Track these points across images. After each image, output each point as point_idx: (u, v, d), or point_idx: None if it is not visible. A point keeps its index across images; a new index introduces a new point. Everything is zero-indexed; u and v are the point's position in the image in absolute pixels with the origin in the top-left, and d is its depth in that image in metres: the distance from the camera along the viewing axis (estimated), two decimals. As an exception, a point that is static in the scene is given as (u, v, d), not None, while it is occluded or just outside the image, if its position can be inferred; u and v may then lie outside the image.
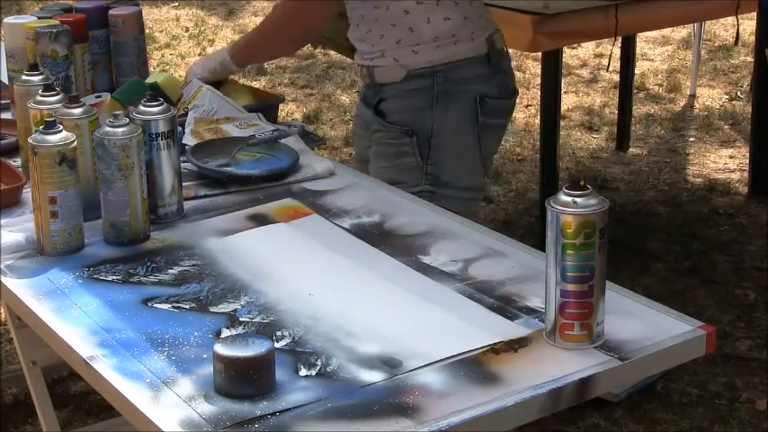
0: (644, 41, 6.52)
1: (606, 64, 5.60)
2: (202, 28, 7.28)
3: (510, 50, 2.55)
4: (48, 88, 2.14)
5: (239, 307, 1.76)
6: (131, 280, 1.86)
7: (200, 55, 6.69)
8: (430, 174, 2.35)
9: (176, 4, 7.91)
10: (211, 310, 1.75)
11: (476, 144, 2.39)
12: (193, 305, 1.77)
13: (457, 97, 2.34)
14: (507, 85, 2.46)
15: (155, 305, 1.77)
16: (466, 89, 2.35)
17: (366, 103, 2.49)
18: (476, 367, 1.57)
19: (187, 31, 7.23)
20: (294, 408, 1.48)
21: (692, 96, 5.79)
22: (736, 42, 4.95)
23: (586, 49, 6.47)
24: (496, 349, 1.61)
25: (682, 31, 6.69)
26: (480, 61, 2.38)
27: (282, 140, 2.40)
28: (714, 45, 6.60)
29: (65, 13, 2.75)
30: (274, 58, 3.43)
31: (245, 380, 1.50)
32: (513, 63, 2.80)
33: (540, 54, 4.12)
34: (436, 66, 2.33)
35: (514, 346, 1.62)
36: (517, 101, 2.57)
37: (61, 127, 1.94)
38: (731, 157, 4.98)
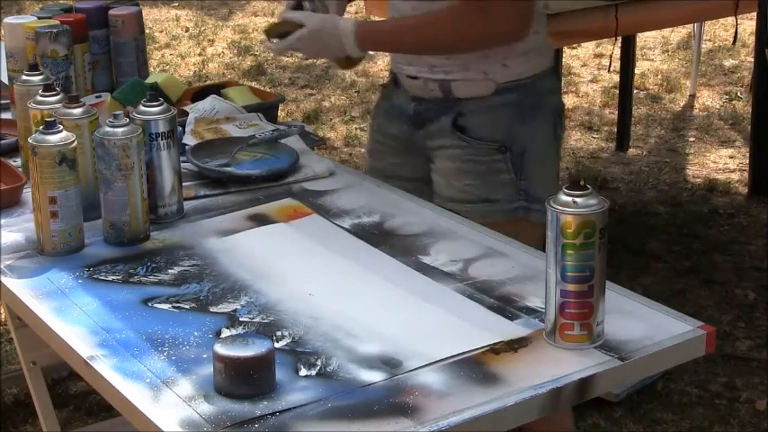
0: (644, 41, 6.52)
1: (606, 64, 5.60)
2: (202, 28, 7.28)
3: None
4: (48, 88, 2.14)
5: (239, 307, 1.76)
6: (131, 280, 1.86)
7: (199, 55, 6.70)
8: (522, 189, 2.25)
9: (176, 4, 7.91)
10: (211, 310, 1.75)
11: (556, 157, 2.35)
12: (193, 305, 1.77)
13: (542, 110, 2.28)
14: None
15: (155, 305, 1.77)
16: (548, 102, 2.30)
17: (417, 120, 2.32)
18: (476, 367, 1.56)
19: (187, 31, 7.23)
20: (294, 408, 1.48)
21: (692, 96, 5.79)
22: (734, 42, 4.96)
23: (586, 49, 6.47)
24: (496, 349, 1.61)
25: (682, 31, 6.69)
26: (553, 73, 2.34)
27: (282, 140, 2.41)
28: (714, 45, 6.60)
29: (65, 13, 2.75)
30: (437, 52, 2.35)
31: (245, 380, 1.50)
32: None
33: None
34: (524, 79, 2.24)
35: (514, 346, 1.62)
36: None
37: (61, 127, 1.94)
38: (731, 157, 4.98)
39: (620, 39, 4.52)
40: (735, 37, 4.52)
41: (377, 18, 2.37)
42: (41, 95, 2.13)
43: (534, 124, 2.26)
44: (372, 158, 2.54)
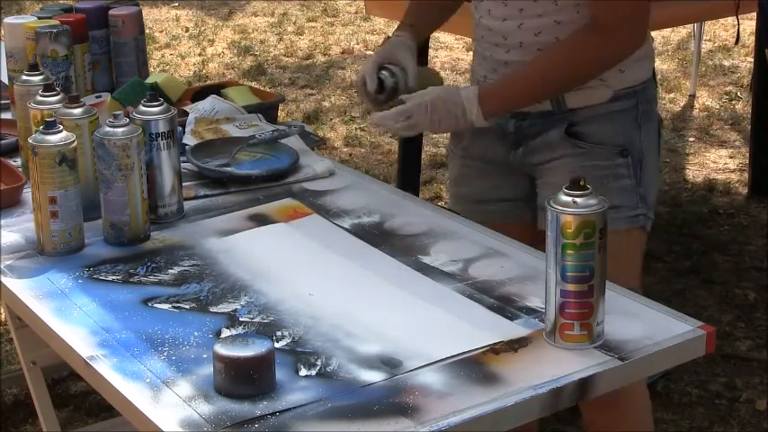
0: (644, 41, 6.51)
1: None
2: (202, 28, 7.28)
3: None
4: (48, 88, 2.15)
5: (239, 307, 1.76)
6: (131, 280, 1.86)
7: (199, 55, 6.70)
8: (642, 196, 2.15)
9: (176, 4, 7.91)
10: (211, 310, 1.75)
11: (659, 166, 2.25)
12: (193, 305, 1.77)
13: (651, 116, 2.18)
14: None
15: (155, 305, 1.77)
16: (653, 108, 2.21)
17: (517, 138, 2.18)
18: (476, 367, 1.56)
19: (187, 31, 7.23)
20: (294, 408, 1.48)
21: (692, 96, 5.79)
22: (736, 42, 4.95)
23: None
24: (496, 349, 1.61)
25: (682, 31, 6.69)
26: (654, 79, 2.22)
27: (282, 140, 2.41)
28: (714, 45, 6.60)
29: (65, 13, 2.76)
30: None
31: (245, 380, 1.50)
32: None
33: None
34: (638, 85, 2.14)
35: (514, 346, 1.62)
36: None
37: (61, 127, 1.94)
38: (731, 157, 4.98)
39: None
40: (737, 37, 4.51)
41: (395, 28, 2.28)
42: (41, 95, 2.13)
43: (647, 131, 2.17)
44: (460, 185, 2.36)
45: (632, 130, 2.15)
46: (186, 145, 2.36)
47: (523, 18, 2.10)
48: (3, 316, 3.39)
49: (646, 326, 1.66)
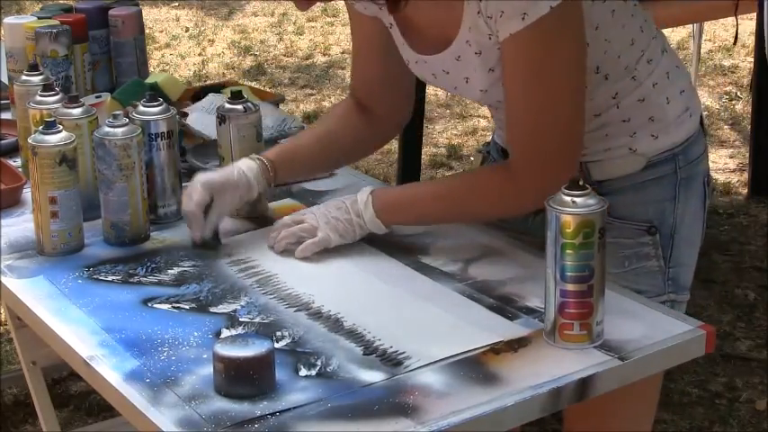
0: (644, 41, 6.50)
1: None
2: (202, 28, 7.28)
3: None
4: (47, 88, 2.15)
5: (239, 307, 1.76)
6: (131, 280, 1.86)
7: (199, 55, 6.70)
8: (671, 278, 1.91)
9: (176, 4, 7.91)
10: (211, 310, 1.75)
11: (702, 234, 1.97)
12: (193, 305, 1.77)
13: (694, 181, 1.92)
14: None
15: (154, 305, 1.77)
16: (698, 170, 1.94)
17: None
18: (476, 367, 1.56)
19: (187, 31, 7.23)
20: (294, 408, 1.48)
21: (692, 96, 5.78)
22: (735, 42, 4.96)
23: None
24: (496, 349, 1.61)
25: (681, 31, 6.69)
26: (701, 130, 1.96)
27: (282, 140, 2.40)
28: (714, 45, 6.60)
29: (65, 13, 2.75)
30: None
31: (245, 380, 1.50)
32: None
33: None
34: (677, 146, 1.89)
35: (514, 345, 1.62)
36: None
37: (61, 127, 1.94)
38: (731, 157, 4.98)
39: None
40: (735, 37, 4.51)
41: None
42: (41, 95, 2.13)
43: (685, 198, 1.92)
44: None
45: (665, 202, 1.90)
46: (186, 145, 2.36)
47: None
48: (3, 316, 3.39)
49: (646, 326, 1.66)
